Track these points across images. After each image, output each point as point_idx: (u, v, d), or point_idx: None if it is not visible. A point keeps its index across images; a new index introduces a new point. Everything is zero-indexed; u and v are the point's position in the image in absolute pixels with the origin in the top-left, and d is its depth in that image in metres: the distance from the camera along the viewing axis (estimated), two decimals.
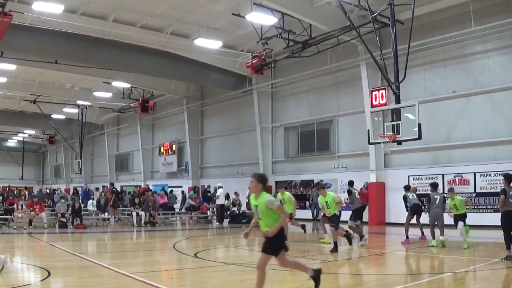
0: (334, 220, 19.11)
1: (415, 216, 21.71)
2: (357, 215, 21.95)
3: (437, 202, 20.12)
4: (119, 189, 40.12)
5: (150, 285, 11.24)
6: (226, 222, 34.64)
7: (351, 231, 20.60)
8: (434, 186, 20.96)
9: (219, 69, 37.25)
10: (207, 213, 36.37)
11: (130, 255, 18.96)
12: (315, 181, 34.17)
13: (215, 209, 36.26)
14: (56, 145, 75.07)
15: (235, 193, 36.34)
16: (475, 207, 26.14)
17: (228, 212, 35.49)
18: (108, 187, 36.51)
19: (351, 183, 22.49)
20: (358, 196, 22.29)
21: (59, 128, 60.09)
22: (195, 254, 17.31)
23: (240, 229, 30.77)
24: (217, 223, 34.20)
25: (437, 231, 19.62)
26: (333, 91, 34.52)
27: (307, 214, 34.06)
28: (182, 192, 42.41)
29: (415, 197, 22.05)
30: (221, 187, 34.61)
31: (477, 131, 26.76)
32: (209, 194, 38.10)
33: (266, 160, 39.06)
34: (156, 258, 18.52)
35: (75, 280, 12.31)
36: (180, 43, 32.92)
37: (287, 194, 22.57)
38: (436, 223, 19.88)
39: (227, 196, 36.30)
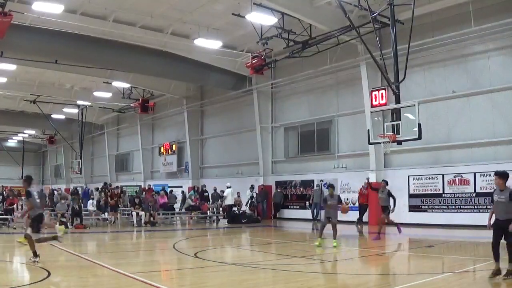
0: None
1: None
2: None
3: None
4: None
5: (150, 285, 11.25)
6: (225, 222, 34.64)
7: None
8: (332, 186, 20.97)
9: (219, 69, 37.22)
10: (207, 213, 36.30)
11: (130, 255, 18.95)
12: (315, 181, 34.22)
13: (217, 209, 36.29)
14: (56, 145, 75.08)
15: (237, 193, 36.28)
16: (475, 207, 26.16)
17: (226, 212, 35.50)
18: (110, 187, 36.37)
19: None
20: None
21: (59, 128, 60.11)
22: (195, 254, 17.32)
23: (240, 229, 30.81)
24: (226, 223, 34.06)
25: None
26: (333, 91, 34.50)
27: (307, 214, 34.10)
28: (182, 192, 42.39)
29: (384, 194, 23.54)
30: (230, 187, 34.57)
31: (477, 131, 26.74)
32: (206, 193, 38.09)
33: (266, 160, 39.06)
34: (156, 258, 18.54)
35: (75, 280, 12.32)
36: (180, 43, 32.93)
37: None
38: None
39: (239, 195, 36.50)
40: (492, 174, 25.12)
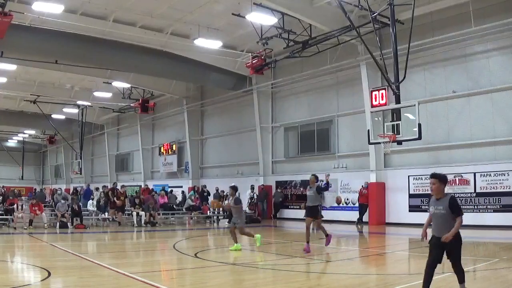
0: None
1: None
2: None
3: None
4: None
5: (150, 285, 11.25)
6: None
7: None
8: (233, 188, 20.59)
9: (219, 69, 37.23)
10: (207, 213, 36.27)
11: (130, 255, 18.97)
12: None
13: (219, 209, 36.32)
14: (56, 145, 75.13)
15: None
16: (475, 207, 26.18)
17: (227, 212, 35.46)
18: (114, 187, 36.21)
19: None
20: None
21: (59, 128, 60.05)
22: (195, 254, 17.32)
23: None
24: (227, 223, 33.99)
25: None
26: (333, 91, 34.52)
27: None
28: (182, 192, 42.39)
29: (312, 192, 19.57)
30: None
31: (477, 131, 26.76)
32: (205, 194, 38.09)
33: (266, 160, 39.09)
34: (156, 258, 18.54)
35: (75, 280, 12.31)
36: (180, 43, 32.91)
37: None
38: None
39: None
40: (492, 174, 25.41)
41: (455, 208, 9.55)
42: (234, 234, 19.24)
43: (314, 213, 19.23)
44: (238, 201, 19.99)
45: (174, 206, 37.68)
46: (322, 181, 20.29)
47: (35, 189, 61.23)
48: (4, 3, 23.26)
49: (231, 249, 18.73)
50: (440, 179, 9.77)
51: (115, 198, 32.46)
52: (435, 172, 9.95)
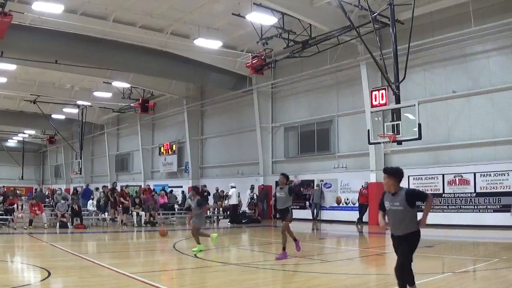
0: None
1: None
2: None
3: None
4: (119, 189, 40.01)
5: (150, 285, 11.25)
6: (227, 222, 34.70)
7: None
8: (194, 189, 20.92)
9: (219, 69, 37.26)
10: (206, 213, 36.29)
11: (130, 255, 18.96)
12: (315, 181, 34.23)
13: (218, 209, 36.37)
14: (56, 145, 75.12)
15: (237, 193, 36.28)
16: (475, 207, 26.20)
17: (228, 212, 35.49)
18: (114, 187, 36.16)
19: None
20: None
21: (59, 128, 60.06)
22: (195, 254, 17.33)
23: (241, 229, 30.83)
24: (229, 223, 34.03)
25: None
26: (333, 91, 34.51)
27: (307, 214, 34.10)
28: (182, 192, 42.38)
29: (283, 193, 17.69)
30: (234, 187, 34.51)
31: (477, 131, 26.76)
32: (206, 193, 38.14)
33: (266, 160, 39.10)
34: (156, 258, 18.53)
35: (75, 280, 12.32)
36: (180, 43, 32.92)
37: None
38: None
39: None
40: (492, 174, 25.41)
41: (415, 198, 9.27)
42: (196, 236, 19.17)
43: (285, 215, 17.86)
44: (200, 204, 19.83)
45: (177, 206, 37.73)
46: (292, 181, 19.38)
47: (36, 189, 61.22)
48: (4, 3, 23.27)
49: (194, 250, 18.38)
50: (392, 174, 9.13)
51: (122, 198, 32.45)
52: (386, 167, 9.45)
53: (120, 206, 32.15)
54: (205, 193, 37.88)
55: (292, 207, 18.36)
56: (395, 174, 9.13)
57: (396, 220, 9.20)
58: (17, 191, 37.44)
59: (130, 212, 31.97)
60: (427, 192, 9.38)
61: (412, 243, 9.18)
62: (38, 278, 12.55)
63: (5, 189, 38.03)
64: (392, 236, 9.34)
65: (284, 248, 16.90)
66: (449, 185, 27.30)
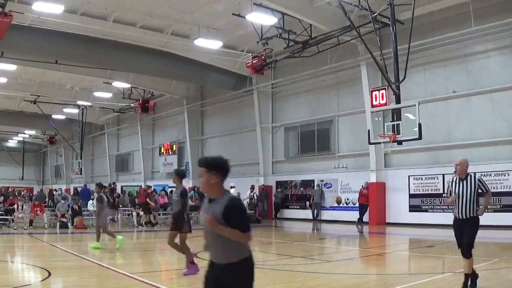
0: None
1: None
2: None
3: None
4: (119, 190, 40.03)
5: (150, 285, 11.26)
6: None
7: None
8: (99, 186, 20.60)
9: (219, 69, 37.25)
10: None
11: (130, 255, 18.95)
12: (316, 181, 34.21)
13: None
14: (57, 145, 75.07)
15: (237, 193, 36.23)
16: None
17: None
18: (114, 187, 36.16)
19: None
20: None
21: (59, 128, 60.11)
22: (196, 254, 17.32)
23: None
24: None
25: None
26: (333, 91, 34.50)
27: (307, 214, 34.10)
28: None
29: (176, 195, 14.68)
30: (234, 187, 34.48)
31: (477, 131, 26.76)
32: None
33: (267, 160, 39.09)
34: (157, 258, 18.56)
35: (76, 280, 12.33)
36: (180, 43, 32.91)
37: None
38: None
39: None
40: (492, 174, 25.40)
41: (235, 218, 5.58)
42: (97, 232, 19.37)
43: (178, 224, 14.31)
44: (100, 200, 19.87)
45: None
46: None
47: (39, 190, 61.16)
48: (4, 3, 23.27)
49: (91, 245, 18.95)
50: (210, 166, 5.80)
51: (148, 199, 32.48)
52: (201, 157, 6.06)
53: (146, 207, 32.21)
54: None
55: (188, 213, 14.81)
56: (210, 166, 5.79)
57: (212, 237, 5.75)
58: (21, 192, 37.50)
59: (122, 211, 32.14)
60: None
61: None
62: (38, 278, 12.56)
63: (9, 189, 38.10)
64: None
65: (191, 262, 13.48)
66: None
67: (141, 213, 31.21)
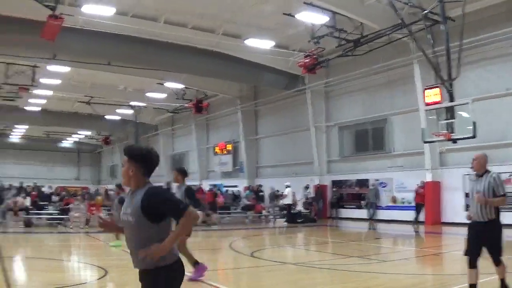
0: None
1: None
2: None
3: None
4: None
5: (207, 284, 11.31)
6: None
7: None
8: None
9: (272, 68, 37.26)
10: (261, 213, 36.39)
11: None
12: (370, 181, 33.98)
13: (273, 208, 36.52)
14: (112, 146, 75.76)
15: (293, 193, 36.22)
16: None
17: (285, 212, 35.51)
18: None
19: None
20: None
21: (114, 129, 60.83)
22: (252, 254, 17.37)
23: (296, 228, 30.85)
24: (285, 223, 34.08)
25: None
26: (386, 89, 34.29)
27: (362, 214, 33.88)
28: (233, 192, 42.46)
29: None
30: (289, 186, 34.57)
31: None
32: (261, 193, 38.23)
33: (321, 160, 39.02)
34: (213, 257, 18.63)
35: (132, 279, 12.41)
36: (231, 44, 32.94)
37: None
38: None
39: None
40: None
41: (159, 206, 5.14)
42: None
43: None
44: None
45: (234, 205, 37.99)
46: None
47: (95, 190, 61.71)
48: (55, 6, 23.54)
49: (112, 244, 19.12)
50: (131, 156, 5.36)
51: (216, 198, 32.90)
52: (126, 145, 5.61)
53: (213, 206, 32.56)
54: (261, 193, 38.04)
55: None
56: (132, 156, 5.34)
57: (129, 235, 5.40)
58: (77, 192, 37.91)
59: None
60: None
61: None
62: (95, 276, 12.72)
63: (66, 190, 38.65)
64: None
65: (195, 263, 12.40)
66: (505, 184, 26.90)
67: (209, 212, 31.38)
